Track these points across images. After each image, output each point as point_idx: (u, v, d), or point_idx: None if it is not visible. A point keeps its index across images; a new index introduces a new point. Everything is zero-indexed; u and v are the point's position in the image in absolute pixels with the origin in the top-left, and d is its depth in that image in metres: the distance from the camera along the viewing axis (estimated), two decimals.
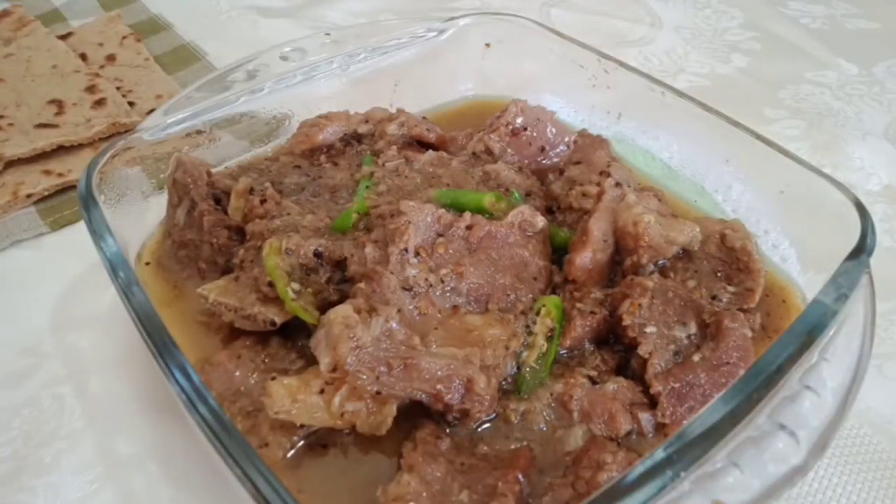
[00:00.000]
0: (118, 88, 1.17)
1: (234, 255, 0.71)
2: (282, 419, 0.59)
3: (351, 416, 0.59)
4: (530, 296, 0.69)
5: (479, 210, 0.72)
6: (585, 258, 0.69)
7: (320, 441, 0.62)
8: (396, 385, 0.59)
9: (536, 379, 0.65)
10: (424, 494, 0.55)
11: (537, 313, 0.68)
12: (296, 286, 0.66)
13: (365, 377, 0.59)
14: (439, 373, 0.60)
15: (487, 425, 0.63)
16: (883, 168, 1.07)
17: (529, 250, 0.71)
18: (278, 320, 0.67)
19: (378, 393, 0.59)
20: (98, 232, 0.69)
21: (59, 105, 1.09)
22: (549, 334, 0.67)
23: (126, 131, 1.00)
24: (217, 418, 0.53)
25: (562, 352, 0.68)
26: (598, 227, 0.69)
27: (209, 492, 0.67)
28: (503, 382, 0.65)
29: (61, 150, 1.04)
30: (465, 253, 0.69)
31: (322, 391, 0.59)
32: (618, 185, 0.74)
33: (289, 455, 0.61)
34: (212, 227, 0.74)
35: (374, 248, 0.67)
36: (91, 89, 1.13)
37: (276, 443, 0.61)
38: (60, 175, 1.00)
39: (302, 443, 0.62)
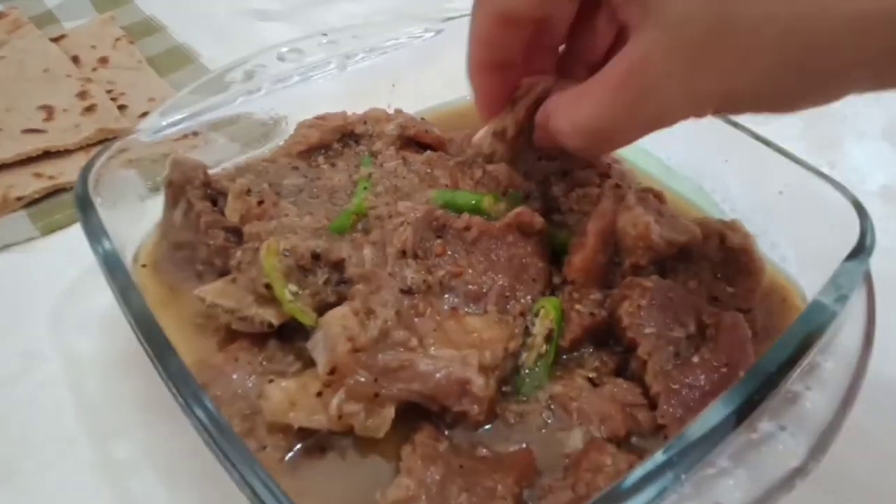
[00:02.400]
0: (110, 91, 1.16)
1: (232, 256, 0.71)
2: (279, 422, 0.59)
3: (349, 419, 0.58)
4: (529, 297, 0.68)
5: (477, 211, 0.72)
6: (585, 260, 0.69)
7: (318, 444, 0.61)
8: (394, 387, 0.59)
9: (536, 381, 0.65)
10: (424, 497, 0.55)
11: (536, 315, 0.67)
12: (293, 288, 0.66)
13: (363, 379, 0.58)
14: (437, 374, 0.59)
15: (487, 427, 0.63)
16: (880, 168, 1.07)
17: (528, 252, 0.70)
18: (275, 322, 0.66)
19: (376, 395, 0.58)
20: (94, 234, 0.68)
21: (48, 111, 1.08)
22: (548, 336, 0.66)
23: (115, 137, 0.99)
24: (215, 421, 0.53)
25: (561, 355, 0.67)
26: (598, 229, 0.69)
27: (207, 495, 0.66)
28: (502, 385, 0.64)
29: (51, 153, 1.03)
30: (464, 254, 0.68)
31: (320, 394, 0.59)
32: (617, 186, 0.73)
33: (287, 458, 0.60)
34: (209, 229, 0.74)
35: (372, 250, 0.66)
36: (82, 95, 1.12)
37: (274, 446, 0.60)
38: (51, 178, 0.99)
39: (299, 445, 0.61)
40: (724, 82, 0.52)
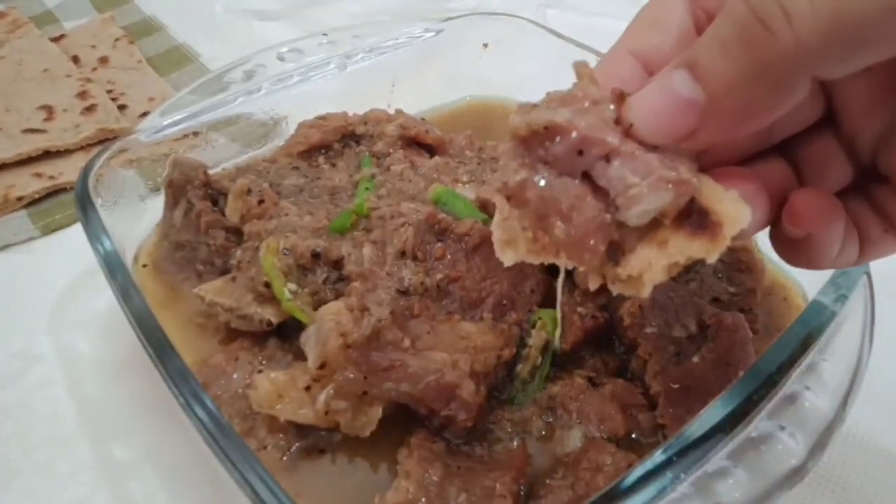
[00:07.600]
0: (110, 91, 1.16)
1: (232, 256, 0.71)
2: (266, 413, 0.59)
3: (335, 415, 0.58)
4: (527, 308, 0.68)
5: (479, 216, 0.72)
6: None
7: (317, 445, 0.62)
8: (383, 386, 0.58)
9: (530, 392, 0.64)
10: (424, 500, 0.54)
11: (533, 326, 0.67)
12: (293, 286, 0.66)
13: (352, 376, 0.58)
14: (427, 377, 0.59)
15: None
16: None
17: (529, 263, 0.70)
18: (275, 320, 0.66)
19: (364, 393, 0.58)
20: (95, 234, 0.68)
21: (48, 111, 1.08)
22: (544, 347, 0.66)
23: (115, 137, 0.99)
24: (215, 421, 0.53)
25: (562, 358, 0.67)
26: None
27: (206, 495, 0.66)
28: (496, 393, 0.64)
29: (51, 153, 1.03)
30: (463, 259, 0.68)
31: (308, 388, 0.59)
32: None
33: (286, 458, 0.61)
34: (209, 228, 0.74)
35: (372, 249, 0.66)
36: (82, 95, 1.12)
37: (274, 445, 0.60)
38: (52, 178, 0.99)
39: (298, 444, 0.61)
40: None
